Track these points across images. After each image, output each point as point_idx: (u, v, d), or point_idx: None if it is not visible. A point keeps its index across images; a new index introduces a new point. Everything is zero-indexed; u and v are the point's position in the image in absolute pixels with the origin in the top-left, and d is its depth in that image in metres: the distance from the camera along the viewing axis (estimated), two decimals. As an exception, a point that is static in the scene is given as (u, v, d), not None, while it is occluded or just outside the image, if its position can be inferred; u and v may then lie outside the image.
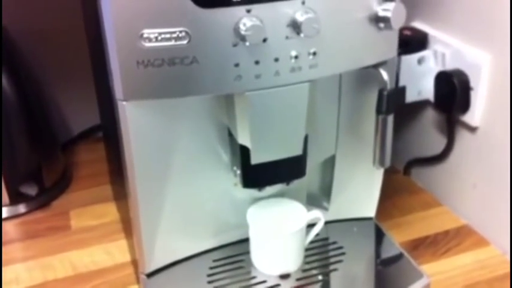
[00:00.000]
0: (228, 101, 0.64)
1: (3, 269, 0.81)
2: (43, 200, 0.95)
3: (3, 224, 0.91)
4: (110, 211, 0.92)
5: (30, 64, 0.94)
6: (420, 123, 0.94)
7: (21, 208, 0.93)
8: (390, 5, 0.61)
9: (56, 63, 1.03)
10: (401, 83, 0.84)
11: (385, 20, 0.62)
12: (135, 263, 0.77)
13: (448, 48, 0.83)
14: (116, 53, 0.56)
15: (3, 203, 0.92)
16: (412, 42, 0.86)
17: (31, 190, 0.92)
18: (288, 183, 0.71)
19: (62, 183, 0.99)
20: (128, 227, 0.76)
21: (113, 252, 0.84)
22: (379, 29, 0.63)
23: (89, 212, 0.93)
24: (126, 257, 0.82)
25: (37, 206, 0.94)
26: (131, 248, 0.79)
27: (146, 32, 0.55)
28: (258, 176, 0.68)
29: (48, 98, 1.03)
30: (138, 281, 0.76)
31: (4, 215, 0.92)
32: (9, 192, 0.91)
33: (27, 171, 0.92)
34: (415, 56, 0.86)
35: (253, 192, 0.73)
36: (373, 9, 0.62)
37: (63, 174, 1.00)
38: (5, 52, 0.86)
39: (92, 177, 1.02)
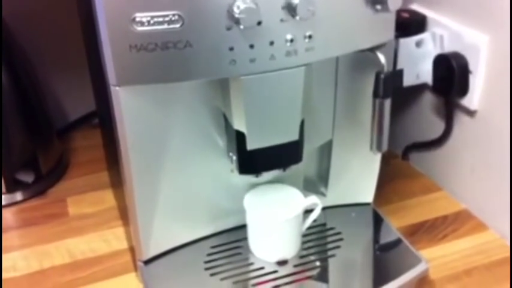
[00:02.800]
0: (222, 86, 0.64)
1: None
2: (40, 187, 0.94)
3: (-1, 211, 0.91)
4: (107, 198, 0.92)
5: (25, 50, 0.92)
6: (418, 107, 0.94)
7: (18, 196, 0.93)
8: (387, -13, 0.60)
9: (51, 48, 1.03)
10: (399, 67, 0.83)
11: (382, 2, 0.61)
12: (132, 250, 0.76)
13: (446, 30, 0.82)
14: (107, 38, 0.55)
15: (-1, 191, 0.91)
16: (411, 24, 0.85)
17: (27, 177, 0.91)
18: (284, 169, 0.71)
19: (59, 170, 0.98)
20: (125, 214, 0.75)
21: (110, 239, 0.83)
22: (376, 11, 0.62)
23: (86, 199, 0.93)
24: (124, 244, 0.82)
25: (34, 193, 0.93)
26: (128, 235, 0.78)
27: (138, 16, 0.54)
28: (254, 162, 0.67)
29: (43, 84, 1.01)
30: (135, 268, 0.76)
31: (2, 202, 0.91)
32: (6, 180, 0.90)
33: (23, 158, 0.92)
34: (414, 39, 0.84)
35: (249, 178, 0.72)
36: (368, -10, 0.61)
37: (60, 161, 0.99)
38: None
39: (89, 163, 1.01)
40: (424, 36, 0.85)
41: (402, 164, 0.99)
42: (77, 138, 1.09)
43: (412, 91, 0.92)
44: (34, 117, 0.93)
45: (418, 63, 0.85)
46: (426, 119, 0.92)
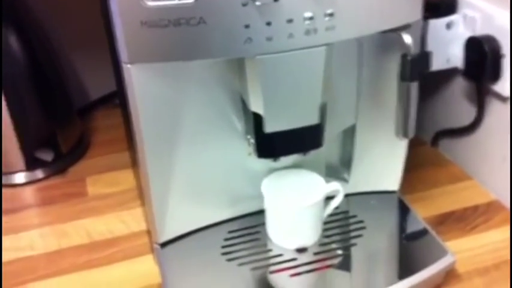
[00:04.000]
0: (239, 66, 0.61)
1: (19, 235, 0.81)
2: (59, 166, 0.94)
3: (20, 190, 0.90)
4: (126, 178, 0.91)
5: (44, 27, 0.91)
6: (448, 92, 0.89)
7: (39, 174, 0.92)
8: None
9: (73, 26, 1.01)
10: (428, 50, 0.79)
11: (410, -22, 0.57)
12: (150, 232, 0.75)
13: (478, 12, 0.78)
14: (118, 13, 0.53)
15: (19, 168, 0.90)
16: (441, 5, 0.80)
17: (47, 156, 0.91)
18: (304, 154, 0.68)
19: (79, 150, 0.98)
20: (142, 192, 0.74)
21: (128, 220, 0.83)
22: (403, -12, 0.59)
23: (105, 179, 0.92)
24: (142, 226, 0.81)
25: (53, 172, 0.93)
26: (146, 217, 0.77)
27: (150, -10, 0.52)
28: (272, 145, 0.65)
29: (64, 62, 1.01)
30: (153, 250, 0.74)
31: (21, 180, 0.91)
32: (25, 157, 0.90)
33: (42, 136, 0.91)
34: (444, 21, 0.80)
35: (268, 163, 0.70)
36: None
37: (80, 140, 0.99)
38: (15, 13, 0.84)
39: (109, 143, 1.00)
40: (455, 18, 0.81)
41: (430, 151, 0.95)
42: (99, 117, 1.09)
43: (442, 76, 0.88)
44: (54, 95, 0.92)
45: (448, 46, 0.81)
46: (456, 105, 0.88)
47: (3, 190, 0.90)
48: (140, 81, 0.58)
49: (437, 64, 0.80)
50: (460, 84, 0.86)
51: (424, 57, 0.63)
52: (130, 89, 0.59)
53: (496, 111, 0.80)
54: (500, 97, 0.78)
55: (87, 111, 1.09)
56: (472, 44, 0.78)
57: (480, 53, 0.76)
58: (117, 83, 0.82)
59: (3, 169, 0.90)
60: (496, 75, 0.76)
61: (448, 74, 0.87)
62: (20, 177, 0.91)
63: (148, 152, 0.64)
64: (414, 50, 0.62)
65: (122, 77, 0.60)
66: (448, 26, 0.80)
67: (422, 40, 0.77)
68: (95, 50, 1.02)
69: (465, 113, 0.86)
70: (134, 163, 0.84)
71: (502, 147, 0.80)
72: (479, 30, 0.78)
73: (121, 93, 0.72)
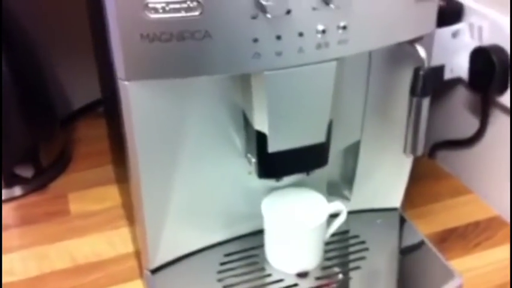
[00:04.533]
0: (244, 82, 0.57)
1: (-3, 258, 0.75)
2: (40, 181, 0.88)
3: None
4: (111, 194, 0.85)
5: (27, 33, 0.85)
6: (450, 102, 0.87)
7: (17, 191, 0.86)
8: (432, -28, 0.53)
9: (54, 31, 0.95)
10: (433, 59, 0.76)
11: (425, -12, 0.54)
12: (138, 254, 0.71)
13: (485, 20, 0.75)
14: (117, 25, 0.49)
15: (-4, 185, 0.85)
16: (446, 13, 0.77)
17: (27, 172, 0.85)
18: (308, 173, 0.64)
19: (61, 164, 0.92)
20: (130, 213, 0.69)
21: (115, 241, 0.77)
22: (417, -1, 0.55)
23: (89, 195, 0.86)
24: (129, 247, 0.76)
25: (33, 188, 0.87)
26: (134, 237, 0.72)
27: (152, 1, 0.47)
28: (275, 165, 0.61)
29: (45, 70, 0.95)
30: (142, 274, 0.70)
31: (0, 197, 0.85)
32: (3, 173, 0.84)
33: (23, 150, 0.85)
34: (449, 30, 0.78)
35: (269, 181, 0.66)
36: (411, -25, 0.54)
37: (62, 153, 0.93)
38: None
39: (93, 156, 0.94)
40: (461, 26, 0.78)
41: (428, 163, 0.92)
42: (81, 127, 1.03)
43: (443, 85, 0.85)
44: (34, 105, 0.86)
45: (452, 56, 0.78)
46: (458, 115, 0.85)
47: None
48: (137, 99, 0.54)
49: (440, 74, 0.78)
50: (462, 95, 0.84)
51: (437, 71, 0.59)
52: (126, 106, 0.54)
53: (500, 124, 0.78)
54: (504, 109, 0.76)
55: (69, 121, 1.03)
56: (479, 54, 0.75)
57: (487, 64, 0.73)
58: (105, 94, 0.77)
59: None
60: (503, 87, 0.73)
61: (450, 84, 0.84)
62: (-2, 195, 0.85)
63: (143, 172, 0.60)
64: (427, 63, 0.59)
65: (115, 92, 0.55)
66: (454, 35, 0.78)
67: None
68: (77, 57, 0.97)
69: (467, 124, 0.83)
70: (120, 178, 0.79)
71: (504, 161, 0.78)
72: (487, 40, 0.75)
73: (110, 105, 0.67)
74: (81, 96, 1.02)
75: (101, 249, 0.76)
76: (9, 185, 0.85)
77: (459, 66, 0.79)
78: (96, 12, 0.56)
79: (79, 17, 0.80)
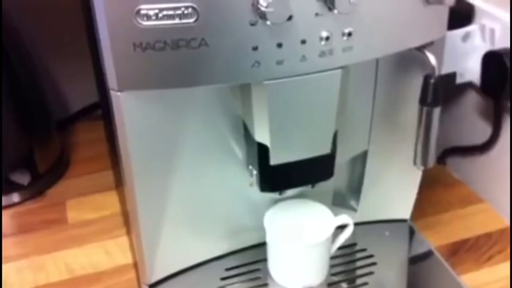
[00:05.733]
0: (243, 91, 0.54)
1: (-8, 269, 0.73)
2: (36, 188, 0.86)
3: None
4: (110, 202, 0.83)
5: (20, 35, 0.83)
6: (461, 107, 0.83)
7: (15, 197, 0.84)
8: (442, -25, 0.50)
9: (51, 34, 0.93)
10: (443, 63, 0.73)
11: (436, -7, 0.51)
12: (137, 265, 0.68)
13: (498, 23, 0.72)
14: (107, 33, 0.46)
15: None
16: (457, 15, 0.74)
17: (23, 178, 0.83)
18: (313, 186, 0.61)
19: (58, 169, 0.90)
20: (128, 222, 0.67)
21: (113, 251, 0.75)
22: (428, 3, 0.52)
23: (87, 202, 0.84)
24: (128, 258, 0.73)
25: (30, 195, 0.85)
26: (133, 247, 0.70)
27: (144, 8, 0.45)
28: (277, 178, 0.58)
29: (42, 73, 0.92)
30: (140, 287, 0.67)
31: (-8, 205, 0.83)
32: (-1, 180, 0.82)
33: (18, 156, 0.83)
34: (460, 32, 0.74)
35: (272, 193, 0.63)
36: (421, -22, 0.51)
37: (60, 158, 0.90)
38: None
39: (92, 160, 0.92)
40: (472, 29, 0.75)
41: (438, 170, 0.88)
42: (80, 131, 1.00)
43: (455, 90, 0.81)
44: (30, 108, 0.83)
45: (463, 60, 0.75)
46: (469, 121, 0.82)
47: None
48: (131, 109, 0.51)
49: (450, 78, 0.75)
50: (473, 100, 0.81)
51: (448, 79, 0.56)
52: (119, 118, 0.52)
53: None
54: (517, 115, 0.73)
55: (67, 124, 1.01)
56: (491, 58, 0.71)
57: (500, 68, 0.69)
58: (101, 96, 0.75)
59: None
60: (516, 92, 0.70)
61: (461, 88, 0.81)
62: (-9, 202, 0.83)
63: (138, 183, 0.57)
64: (438, 71, 0.55)
65: (108, 103, 0.52)
66: (464, 38, 0.74)
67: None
68: (74, 59, 0.94)
69: (478, 131, 0.80)
70: (119, 184, 0.76)
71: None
72: (499, 43, 0.72)
73: (105, 107, 0.64)
74: (79, 99, 1.00)
75: (99, 260, 0.74)
76: (6, 191, 0.83)
77: (470, 70, 0.76)
78: (88, 18, 0.53)
79: (76, 19, 0.78)
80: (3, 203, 0.83)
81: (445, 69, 0.72)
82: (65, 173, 0.90)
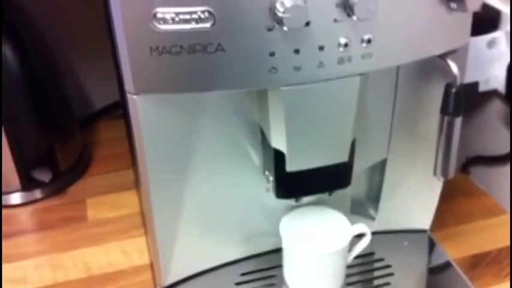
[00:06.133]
0: (260, 97, 0.54)
1: (12, 265, 0.74)
2: (58, 185, 0.86)
3: (15, 211, 0.83)
4: (130, 201, 0.83)
5: (43, 34, 0.84)
6: (486, 116, 0.81)
7: (36, 194, 0.85)
8: (466, -18, 0.49)
9: (75, 31, 0.93)
10: (467, 70, 0.71)
11: (459, 0, 0.50)
12: (153, 266, 0.68)
13: (525, 29, 0.70)
14: (124, 37, 0.46)
15: (14, 188, 0.83)
16: (482, 21, 0.72)
17: (44, 176, 0.83)
18: (330, 194, 0.60)
19: (80, 167, 0.90)
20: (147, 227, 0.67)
21: (130, 251, 0.75)
22: (450, 9, 0.51)
23: (107, 201, 0.85)
24: (144, 258, 0.74)
25: (52, 192, 0.86)
26: (150, 248, 0.70)
27: (160, 11, 0.44)
28: (293, 185, 0.58)
29: (66, 72, 0.93)
30: (155, 288, 0.68)
31: (17, 201, 0.84)
32: (21, 177, 0.83)
33: (39, 153, 0.84)
34: (485, 38, 0.72)
35: (288, 200, 0.62)
36: (444, -15, 0.50)
37: (81, 156, 0.91)
38: (10, 19, 0.77)
39: (113, 159, 0.93)
40: (498, 35, 0.73)
41: (461, 179, 0.86)
42: (102, 129, 1.01)
43: (479, 97, 0.79)
44: (52, 108, 0.84)
45: (488, 66, 0.73)
46: (494, 130, 0.80)
47: (-2, 211, 0.83)
48: (147, 112, 0.51)
49: (475, 86, 0.73)
50: (499, 108, 0.79)
51: (471, 88, 0.55)
52: (135, 120, 0.52)
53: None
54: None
55: (89, 122, 1.01)
56: (517, 66, 0.70)
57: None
58: (120, 96, 0.75)
59: (-1, 189, 0.83)
60: (543, 103, 0.68)
61: (486, 96, 0.79)
62: (16, 198, 0.84)
63: (153, 185, 0.57)
64: (460, 80, 0.54)
65: (125, 105, 0.52)
66: (490, 44, 0.72)
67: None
68: (99, 57, 0.94)
69: (502, 140, 0.78)
70: (138, 184, 0.77)
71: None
72: (526, 50, 0.70)
73: (124, 107, 0.65)
74: (102, 98, 1.01)
75: (116, 260, 0.74)
76: (28, 188, 0.84)
77: (495, 77, 0.74)
78: (108, 20, 0.53)
79: (100, 18, 0.78)
80: (25, 199, 0.84)
81: (469, 76, 0.71)
82: (86, 171, 0.91)
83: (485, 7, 0.73)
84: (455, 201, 0.81)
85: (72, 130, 0.91)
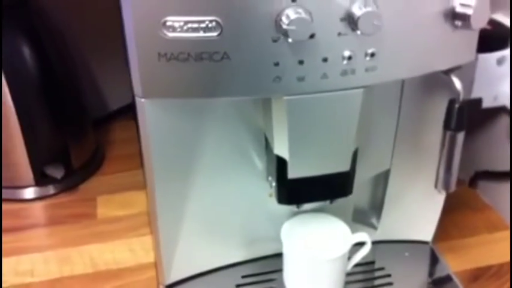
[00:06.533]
0: (265, 104, 0.55)
1: (22, 257, 0.76)
2: (70, 182, 0.88)
3: (28, 205, 0.86)
4: (139, 200, 0.85)
5: (63, 33, 0.86)
6: (493, 131, 0.82)
7: (50, 189, 0.87)
8: (471, 0, 0.50)
9: (92, 32, 0.95)
10: (476, 86, 0.71)
11: (464, 18, 0.50)
12: (157, 266, 0.70)
13: (535, 48, 0.70)
14: (134, 43, 0.48)
15: (28, 182, 0.86)
16: (492, 38, 0.73)
17: (57, 172, 0.85)
18: (331, 202, 0.62)
19: (92, 165, 0.92)
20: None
21: (137, 249, 0.77)
22: (455, 27, 0.52)
23: (117, 199, 0.87)
24: (150, 257, 0.75)
25: (64, 188, 0.88)
26: (155, 250, 0.71)
27: (170, 20, 0.46)
28: (295, 192, 0.59)
29: (83, 70, 0.95)
30: (158, 286, 0.69)
31: (30, 195, 0.86)
32: (35, 172, 0.85)
33: (53, 150, 0.86)
34: (494, 55, 0.73)
35: (290, 206, 0.64)
36: (449, 3, 0.50)
37: (94, 154, 0.93)
38: (27, 18, 0.79)
39: (125, 159, 0.94)
40: (507, 52, 0.73)
41: (468, 193, 0.87)
42: (116, 129, 1.03)
43: (487, 113, 0.80)
44: (67, 106, 0.86)
45: (497, 83, 0.74)
46: (501, 146, 0.80)
47: (12, 205, 0.85)
48: (154, 116, 0.53)
49: (484, 102, 0.73)
50: (506, 124, 0.79)
51: (474, 104, 0.56)
52: (143, 122, 0.53)
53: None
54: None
55: (104, 122, 1.03)
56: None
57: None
58: (132, 98, 0.77)
59: (13, 183, 0.85)
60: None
61: (493, 112, 0.80)
62: (29, 193, 0.86)
63: (158, 187, 0.59)
64: (463, 96, 0.55)
65: (135, 108, 0.54)
66: (499, 61, 0.73)
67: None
68: (115, 58, 0.96)
69: (509, 156, 0.78)
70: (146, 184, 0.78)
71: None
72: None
73: (134, 109, 0.66)
74: (117, 98, 1.02)
75: (122, 257, 0.76)
76: (41, 183, 0.86)
77: (504, 94, 0.74)
78: (121, 25, 0.55)
79: (117, 18, 0.80)
80: (38, 195, 0.87)
81: (478, 92, 0.72)
82: (98, 170, 0.93)
83: (496, 24, 0.74)
84: (461, 214, 0.81)
85: (87, 129, 0.93)
